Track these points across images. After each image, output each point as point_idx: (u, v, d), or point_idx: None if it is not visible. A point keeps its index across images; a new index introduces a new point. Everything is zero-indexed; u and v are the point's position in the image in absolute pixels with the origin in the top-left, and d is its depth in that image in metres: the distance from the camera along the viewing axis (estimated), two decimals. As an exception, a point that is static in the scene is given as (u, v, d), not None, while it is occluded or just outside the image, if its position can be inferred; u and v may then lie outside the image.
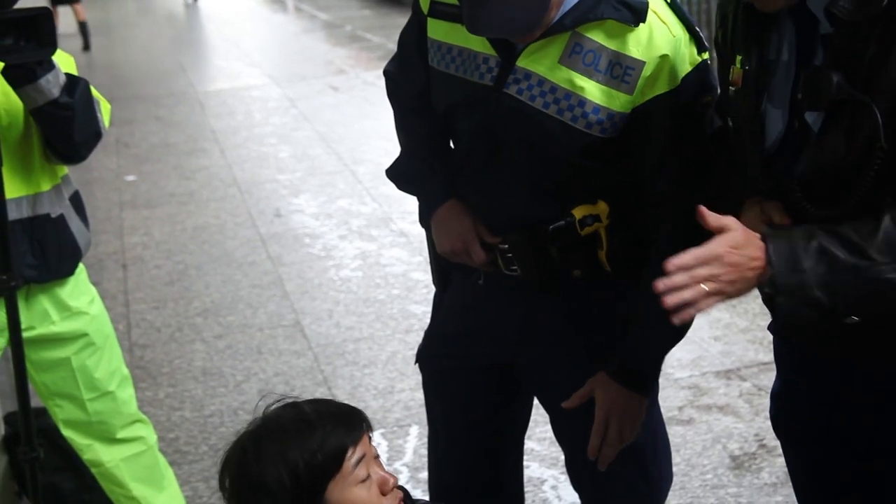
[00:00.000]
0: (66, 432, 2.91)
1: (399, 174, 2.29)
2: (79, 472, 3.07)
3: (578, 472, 2.34)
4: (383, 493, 1.75)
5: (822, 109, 1.60)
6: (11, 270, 2.52)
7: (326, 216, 6.24)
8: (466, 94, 2.02)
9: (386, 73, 2.29)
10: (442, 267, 2.29)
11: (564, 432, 2.33)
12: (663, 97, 1.89)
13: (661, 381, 3.59)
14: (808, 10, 1.60)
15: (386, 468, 1.78)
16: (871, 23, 1.54)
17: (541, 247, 2.08)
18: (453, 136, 2.22)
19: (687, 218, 1.74)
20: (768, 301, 1.82)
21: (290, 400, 1.81)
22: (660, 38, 1.86)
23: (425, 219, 2.24)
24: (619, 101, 1.90)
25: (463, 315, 2.27)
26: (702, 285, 1.49)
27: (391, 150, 2.54)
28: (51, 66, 2.48)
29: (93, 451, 2.91)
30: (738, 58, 1.72)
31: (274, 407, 1.78)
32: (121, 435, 2.93)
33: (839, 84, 1.56)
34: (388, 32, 13.24)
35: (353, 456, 1.70)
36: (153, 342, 4.63)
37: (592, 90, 1.90)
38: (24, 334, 2.65)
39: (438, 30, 2.05)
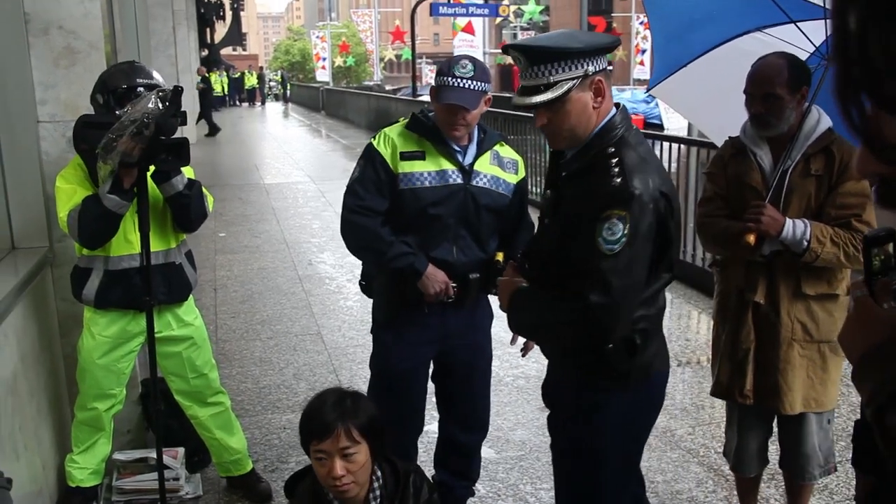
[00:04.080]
0: (177, 396, 3.31)
1: (389, 257, 2.71)
2: (183, 419, 3.41)
3: (463, 406, 3.01)
4: (332, 475, 1.92)
5: (548, 218, 2.16)
6: (151, 295, 2.94)
7: (339, 266, 7.24)
8: (444, 193, 2.68)
9: (352, 211, 2.72)
10: (391, 306, 2.83)
11: (460, 382, 2.98)
12: (523, 179, 2.87)
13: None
14: (560, 162, 2.14)
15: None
16: (570, 176, 2.08)
17: (486, 280, 2.79)
18: (430, 222, 2.70)
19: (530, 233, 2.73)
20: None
21: (342, 388, 2.12)
22: (514, 152, 2.89)
23: (415, 277, 2.69)
24: (514, 180, 2.82)
25: (419, 331, 2.83)
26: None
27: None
28: (179, 172, 2.93)
29: (192, 409, 3.33)
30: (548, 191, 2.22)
31: (329, 387, 2.13)
32: (210, 400, 3.34)
33: (553, 205, 2.11)
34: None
35: (318, 444, 1.95)
36: (230, 338, 5.45)
37: (505, 175, 2.80)
38: (156, 335, 3.02)
39: (412, 167, 2.69)
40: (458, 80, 2.60)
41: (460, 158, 2.71)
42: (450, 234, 2.71)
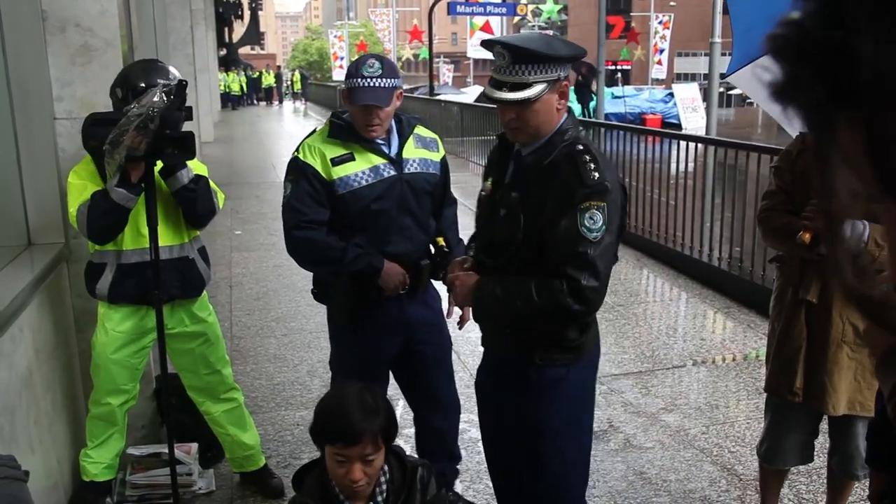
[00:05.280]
0: (190, 392, 3.36)
1: (346, 262, 2.76)
2: (197, 415, 3.45)
3: (425, 394, 3.11)
4: (349, 478, 1.92)
5: (506, 209, 2.24)
6: (159, 289, 2.94)
7: (357, 266, 7.26)
8: (383, 187, 2.75)
9: (296, 228, 2.76)
10: (352, 308, 2.87)
11: (429, 368, 3.06)
12: (444, 156, 2.98)
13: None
14: (521, 156, 2.24)
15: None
16: (534, 170, 2.18)
17: (435, 265, 2.90)
18: (376, 218, 2.76)
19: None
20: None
21: (357, 383, 2.08)
22: (431, 131, 3.00)
23: (374, 276, 2.76)
24: (438, 157, 2.93)
25: (381, 327, 2.90)
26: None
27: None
28: (184, 166, 2.98)
29: (205, 405, 3.38)
30: (490, 179, 2.35)
31: (351, 383, 2.08)
32: (223, 396, 3.39)
33: (516, 197, 2.22)
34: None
35: (340, 449, 1.93)
36: (245, 335, 5.47)
37: (430, 155, 2.89)
38: (167, 331, 3.06)
39: (345, 170, 2.74)
40: (368, 80, 2.67)
41: (387, 150, 2.79)
42: (395, 227, 2.79)
